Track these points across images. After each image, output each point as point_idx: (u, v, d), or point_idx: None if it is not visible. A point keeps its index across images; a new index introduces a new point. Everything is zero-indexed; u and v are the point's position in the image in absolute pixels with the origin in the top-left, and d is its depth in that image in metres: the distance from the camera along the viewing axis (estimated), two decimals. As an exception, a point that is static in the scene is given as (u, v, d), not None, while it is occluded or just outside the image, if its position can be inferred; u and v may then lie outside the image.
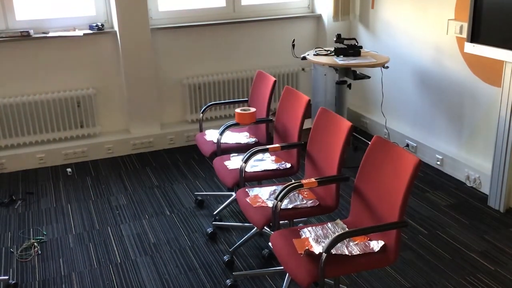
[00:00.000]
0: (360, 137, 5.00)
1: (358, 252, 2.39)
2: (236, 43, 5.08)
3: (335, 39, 4.52)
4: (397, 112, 4.83)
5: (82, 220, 3.72)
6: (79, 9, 4.60)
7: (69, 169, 4.50)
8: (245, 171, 3.09)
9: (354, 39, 4.64)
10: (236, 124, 3.49)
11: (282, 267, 2.67)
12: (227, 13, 5.03)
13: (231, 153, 3.52)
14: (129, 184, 4.26)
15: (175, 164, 4.60)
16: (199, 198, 3.93)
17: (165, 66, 4.89)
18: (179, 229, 3.58)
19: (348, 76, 4.42)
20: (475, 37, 3.54)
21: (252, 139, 3.72)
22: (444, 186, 4.11)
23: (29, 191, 4.17)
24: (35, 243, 3.42)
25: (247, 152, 3.09)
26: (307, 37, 5.34)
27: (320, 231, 2.56)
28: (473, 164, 4.05)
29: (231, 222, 3.66)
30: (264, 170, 3.26)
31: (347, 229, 2.60)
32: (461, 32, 3.93)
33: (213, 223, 3.60)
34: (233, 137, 3.77)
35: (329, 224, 2.64)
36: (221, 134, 3.52)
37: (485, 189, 3.93)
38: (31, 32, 4.35)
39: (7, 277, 3.06)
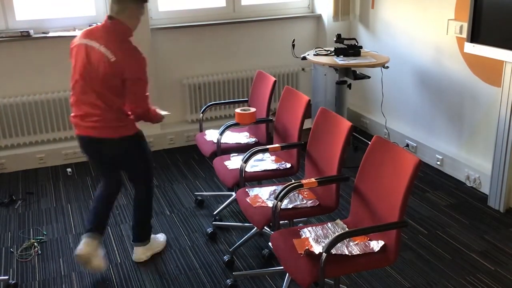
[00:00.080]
0: (360, 137, 5.01)
1: (358, 252, 2.39)
2: (236, 43, 5.08)
3: (335, 39, 4.52)
4: (397, 112, 4.84)
5: (82, 220, 3.72)
6: (79, 9, 4.60)
7: (69, 169, 4.50)
8: (245, 171, 3.09)
9: (354, 39, 4.64)
10: (236, 124, 3.49)
11: (282, 267, 2.67)
12: (227, 13, 5.03)
13: (231, 153, 3.52)
14: (129, 184, 4.26)
15: (175, 164, 4.60)
16: (199, 198, 3.93)
17: (165, 66, 4.89)
18: (179, 229, 3.58)
19: (348, 76, 4.42)
20: (475, 37, 3.54)
21: (252, 139, 3.72)
22: (444, 186, 4.11)
23: (29, 191, 4.17)
24: (35, 243, 3.42)
25: (247, 152, 3.09)
26: (307, 37, 5.34)
27: (320, 231, 2.56)
28: (473, 164, 4.05)
29: (231, 222, 3.66)
30: (264, 170, 3.26)
31: (347, 229, 2.60)
32: (461, 32, 3.93)
33: (213, 223, 3.60)
34: (233, 137, 3.77)
35: (329, 224, 2.64)
36: (221, 134, 3.52)
37: (485, 189, 3.93)
38: (31, 32, 4.35)
39: (7, 277, 3.06)
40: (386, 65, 4.28)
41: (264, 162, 3.36)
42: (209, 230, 3.48)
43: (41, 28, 4.46)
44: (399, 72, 4.69)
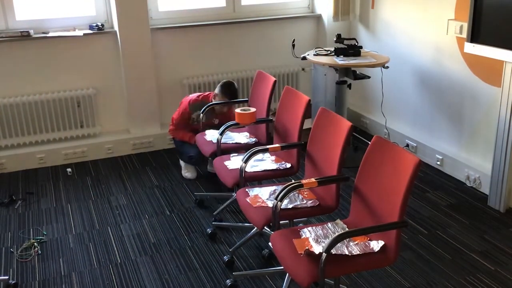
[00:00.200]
0: (360, 137, 5.00)
1: (358, 252, 2.39)
2: (236, 43, 5.08)
3: (335, 39, 4.52)
4: (397, 112, 4.84)
5: (82, 220, 3.72)
6: (79, 9, 4.60)
7: (69, 169, 4.50)
8: (245, 171, 3.09)
9: (354, 39, 4.64)
10: (236, 124, 3.49)
11: (282, 267, 2.67)
12: (227, 13, 5.03)
13: (231, 153, 3.52)
14: (129, 184, 4.26)
15: (175, 164, 4.60)
16: (199, 198, 3.93)
17: (165, 66, 4.89)
18: (179, 229, 3.58)
19: (348, 76, 4.42)
20: (475, 37, 3.54)
21: (252, 139, 3.72)
22: (444, 186, 4.11)
23: (29, 191, 4.17)
24: (35, 243, 3.42)
25: (247, 152, 3.09)
26: (307, 37, 5.34)
27: (320, 231, 2.56)
28: (473, 164, 4.05)
29: (231, 222, 3.66)
30: (264, 170, 3.26)
31: (347, 229, 2.60)
32: (461, 32, 3.93)
33: (213, 223, 3.60)
34: (233, 137, 3.77)
35: (329, 224, 2.64)
36: (221, 134, 3.52)
37: (485, 189, 3.93)
38: (31, 32, 4.35)
39: (7, 277, 3.06)
40: (386, 65, 4.28)
41: (264, 162, 3.36)
42: (209, 230, 3.48)
43: (41, 28, 4.46)
44: (399, 72, 4.68)
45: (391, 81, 4.79)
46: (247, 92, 5.13)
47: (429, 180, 4.22)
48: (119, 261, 3.24)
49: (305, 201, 2.85)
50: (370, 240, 2.47)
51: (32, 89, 4.52)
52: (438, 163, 4.36)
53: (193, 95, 4.27)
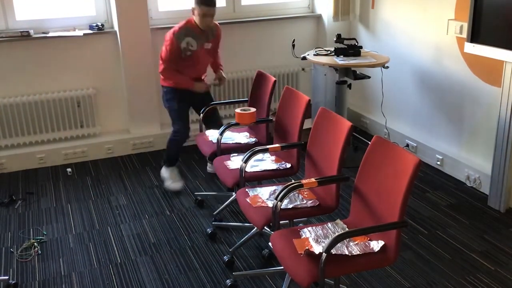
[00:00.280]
0: (360, 137, 5.00)
1: (358, 252, 2.39)
2: (236, 43, 5.08)
3: (335, 39, 4.52)
4: (397, 112, 4.83)
5: (82, 220, 3.72)
6: (79, 9, 4.60)
7: (69, 169, 4.50)
8: (245, 171, 3.09)
9: (354, 39, 4.64)
10: (236, 124, 3.49)
11: (282, 267, 2.67)
12: (227, 13, 5.03)
13: (231, 153, 3.52)
14: (129, 184, 4.26)
15: (175, 164, 4.60)
16: (199, 198, 3.93)
17: (165, 66, 4.88)
18: (179, 229, 3.58)
19: (348, 76, 4.42)
20: (475, 37, 3.54)
21: (252, 139, 3.72)
22: (444, 186, 4.11)
23: (29, 191, 4.17)
24: (35, 243, 3.42)
25: (247, 152, 3.09)
26: (307, 37, 5.34)
27: (320, 231, 2.56)
28: (473, 164, 4.05)
29: (231, 222, 3.66)
30: (264, 170, 3.26)
31: (347, 229, 2.60)
32: (461, 32, 3.93)
33: (213, 223, 3.60)
34: (233, 137, 3.77)
35: (329, 224, 2.64)
36: (221, 134, 3.52)
37: (485, 189, 3.93)
38: (31, 32, 4.35)
39: (7, 277, 3.06)
40: (386, 65, 4.28)
41: (264, 162, 3.36)
42: (209, 230, 3.48)
43: (41, 28, 4.46)
44: (399, 72, 4.68)
45: (391, 81, 4.79)
46: (247, 92, 5.13)
47: (429, 180, 4.22)
48: (119, 261, 3.24)
49: (305, 201, 2.85)
50: (370, 240, 2.47)
51: (32, 89, 4.52)
52: (438, 163, 4.36)
53: (175, 26, 3.91)
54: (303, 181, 2.67)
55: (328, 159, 2.83)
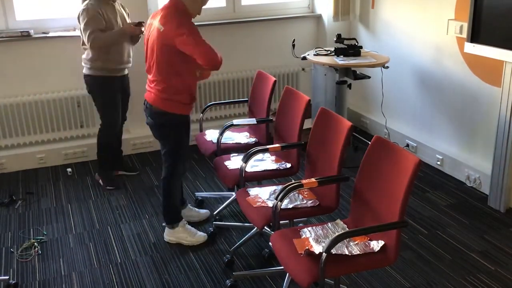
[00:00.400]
0: (360, 137, 5.00)
1: (358, 252, 2.39)
2: (236, 43, 5.08)
3: (335, 39, 4.52)
4: (397, 112, 4.83)
5: (82, 220, 3.72)
6: (79, 9, 4.59)
7: (69, 169, 4.50)
8: (245, 171, 3.09)
9: (354, 39, 4.64)
10: (236, 125, 3.50)
11: (282, 267, 2.67)
12: (227, 13, 5.03)
13: (231, 153, 3.52)
14: (129, 184, 4.26)
15: (175, 164, 4.59)
16: (199, 198, 3.93)
17: (165, 66, 4.88)
18: (179, 229, 3.58)
19: (348, 76, 4.42)
20: (475, 37, 3.54)
21: (252, 139, 3.72)
22: (444, 186, 4.11)
23: (29, 191, 4.17)
24: (35, 243, 3.42)
25: (247, 152, 3.09)
26: (307, 37, 5.34)
27: (320, 231, 2.56)
28: (473, 164, 4.05)
29: (231, 222, 3.66)
30: (264, 170, 3.26)
31: (347, 229, 2.60)
32: (461, 32, 3.93)
33: (213, 223, 3.60)
34: (233, 137, 3.77)
35: (329, 224, 2.64)
36: (221, 134, 3.52)
37: (485, 189, 3.93)
38: (31, 32, 4.35)
39: (7, 277, 3.06)
40: (386, 65, 4.28)
41: (264, 162, 3.36)
42: (209, 230, 3.48)
43: (41, 28, 4.45)
44: (399, 72, 4.68)
45: (391, 81, 4.79)
46: (247, 92, 5.13)
47: (429, 180, 4.21)
48: (119, 261, 3.24)
49: (305, 201, 2.85)
50: (370, 240, 2.47)
51: (32, 89, 4.52)
52: (438, 163, 4.36)
53: (166, 11, 3.14)
54: (303, 181, 2.67)
55: (328, 159, 2.83)
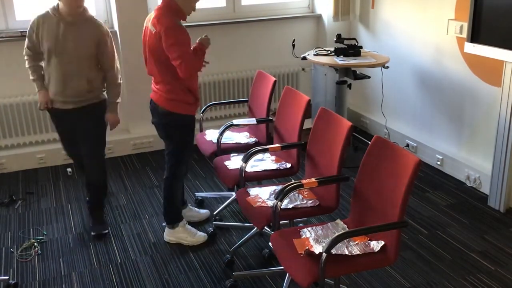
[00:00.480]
0: (360, 137, 5.00)
1: (358, 252, 2.39)
2: (236, 43, 5.08)
3: (335, 39, 4.52)
4: (397, 112, 4.83)
5: (82, 220, 3.72)
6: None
7: (69, 169, 4.50)
8: (245, 171, 3.09)
9: (354, 39, 4.64)
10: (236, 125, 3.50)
11: (282, 267, 2.67)
12: (227, 13, 5.03)
13: (231, 153, 3.52)
14: (129, 184, 4.26)
15: (175, 164, 4.60)
16: (199, 198, 3.93)
17: (165, 66, 4.88)
18: (179, 229, 3.58)
19: (348, 76, 4.42)
20: (475, 37, 3.54)
21: (252, 139, 3.72)
22: (444, 186, 4.11)
23: (29, 191, 4.17)
24: (35, 243, 3.42)
25: (247, 152, 3.09)
26: (307, 37, 5.34)
27: (320, 231, 2.56)
28: (473, 164, 4.05)
29: (231, 222, 3.66)
30: (264, 170, 3.26)
31: (347, 229, 2.60)
32: (461, 32, 3.93)
33: (213, 223, 3.60)
34: (233, 137, 3.77)
35: (329, 224, 2.64)
36: (221, 134, 3.52)
37: (485, 189, 3.93)
38: (31, 32, 4.34)
39: (7, 277, 3.06)
40: (386, 65, 4.28)
41: (264, 162, 3.36)
42: (209, 230, 3.48)
43: (41, 28, 4.45)
44: (399, 72, 4.68)
45: (391, 81, 4.79)
46: (247, 92, 5.13)
47: (429, 180, 4.22)
48: (119, 261, 3.24)
49: (305, 201, 2.85)
50: (370, 240, 2.47)
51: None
52: (438, 163, 4.36)
53: (162, 17, 3.06)
54: (303, 181, 2.67)
55: (328, 159, 2.83)
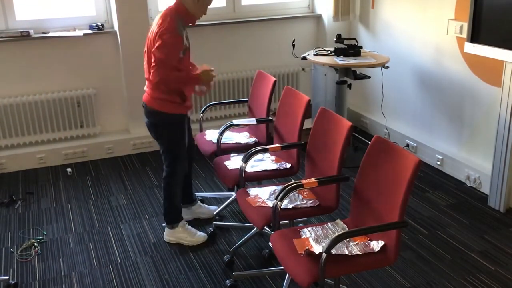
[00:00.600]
0: (360, 137, 5.00)
1: (358, 252, 2.39)
2: (236, 43, 5.08)
3: (335, 39, 4.52)
4: (397, 112, 4.83)
5: (82, 220, 3.72)
6: (79, 9, 4.60)
7: (69, 169, 4.50)
8: (245, 171, 3.09)
9: (354, 39, 4.64)
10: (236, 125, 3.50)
11: (282, 267, 2.67)
12: (227, 13, 5.03)
13: (231, 153, 3.52)
14: (129, 184, 4.26)
15: (175, 164, 4.59)
16: (199, 198, 3.93)
17: (165, 66, 4.88)
18: (179, 229, 3.58)
19: (348, 76, 4.42)
20: (475, 37, 3.54)
21: (252, 139, 3.72)
22: (444, 186, 4.11)
23: (29, 191, 4.17)
24: (35, 243, 3.42)
25: (247, 152, 3.09)
26: (307, 37, 5.34)
27: (320, 231, 2.56)
28: (473, 164, 4.05)
29: (231, 222, 3.66)
30: (264, 170, 3.26)
31: (347, 229, 2.60)
32: (461, 32, 3.93)
33: (213, 223, 3.60)
34: (233, 137, 3.77)
35: (329, 224, 2.64)
36: (221, 134, 3.52)
37: (485, 189, 3.93)
38: (31, 32, 4.34)
39: (7, 277, 3.06)
40: (386, 65, 4.28)
41: (264, 162, 3.36)
42: (209, 230, 3.48)
43: (41, 28, 4.45)
44: (399, 72, 4.68)
45: (391, 81, 4.79)
46: (247, 92, 5.13)
47: (429, 180, 4.21)
48: (119, 261, 3.24)
49: (305, 201, 2.85)
50: (370, 240, 2.47)
51: (32, 89, 4.52)
52: (438, 163, 4.36)
53: (164, 21, 3.04)
54: (303, 181, 2.67)
55: (328, 159, 2.83)
